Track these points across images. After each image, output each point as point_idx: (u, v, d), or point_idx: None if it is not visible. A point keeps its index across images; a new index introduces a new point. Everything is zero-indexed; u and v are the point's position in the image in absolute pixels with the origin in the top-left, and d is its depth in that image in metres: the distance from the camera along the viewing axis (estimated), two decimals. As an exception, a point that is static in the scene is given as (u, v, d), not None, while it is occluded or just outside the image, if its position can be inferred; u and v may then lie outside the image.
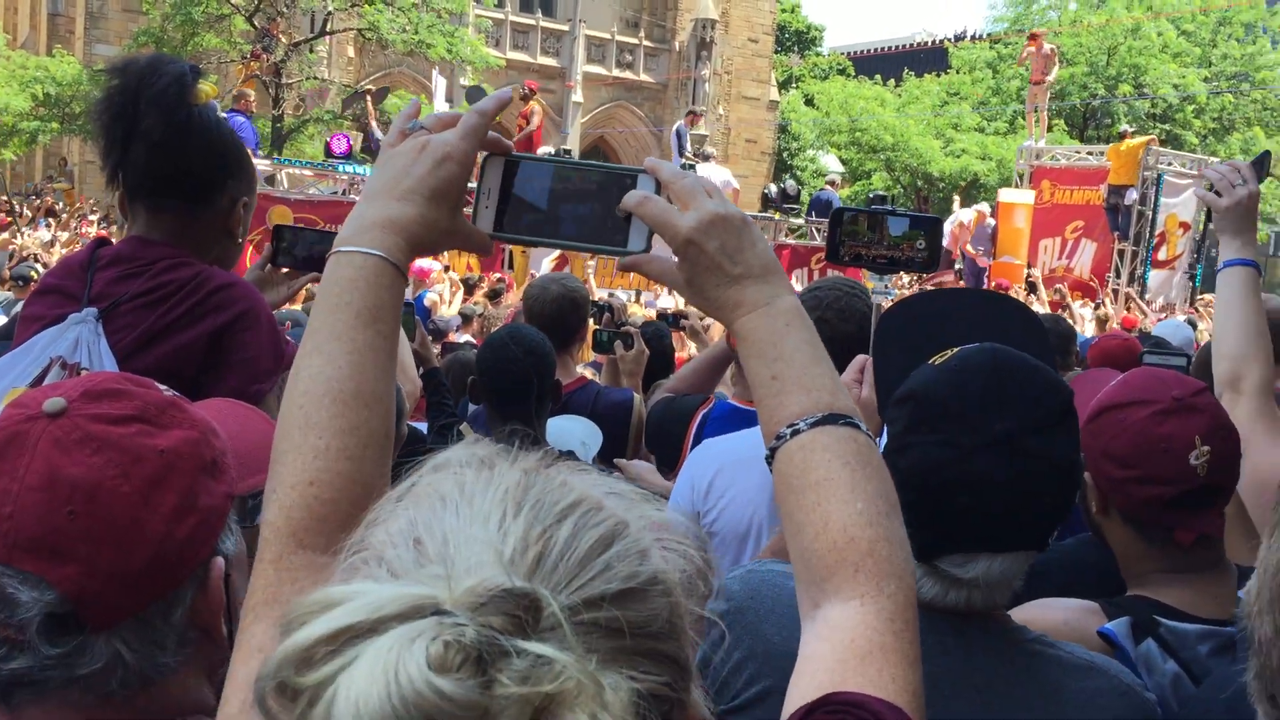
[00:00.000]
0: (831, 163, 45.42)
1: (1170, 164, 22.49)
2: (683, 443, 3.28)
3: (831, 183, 23.44)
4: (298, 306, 5.60)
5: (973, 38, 48.48)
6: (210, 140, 2.27)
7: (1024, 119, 31.49)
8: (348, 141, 17.75)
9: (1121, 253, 20.98)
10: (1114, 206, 20.75)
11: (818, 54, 59.34)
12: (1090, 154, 23.14)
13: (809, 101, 47.72)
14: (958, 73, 41.42)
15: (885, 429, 1.57)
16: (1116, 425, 1.77)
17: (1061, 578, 1.99)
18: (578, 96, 34.20)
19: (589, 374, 5.62)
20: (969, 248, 19.84)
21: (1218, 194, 2.48)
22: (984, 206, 21.65)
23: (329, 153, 17.17)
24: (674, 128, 21.33)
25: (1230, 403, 2.29)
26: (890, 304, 2.02)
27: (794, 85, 51.41)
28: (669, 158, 18.31)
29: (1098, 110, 35.21)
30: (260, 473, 1.16)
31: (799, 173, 44.01)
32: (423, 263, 12.52)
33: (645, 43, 37.99)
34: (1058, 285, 17.47)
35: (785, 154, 44.84)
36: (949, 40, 50.28)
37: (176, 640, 1.18)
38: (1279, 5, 35.89)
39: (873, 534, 1.10)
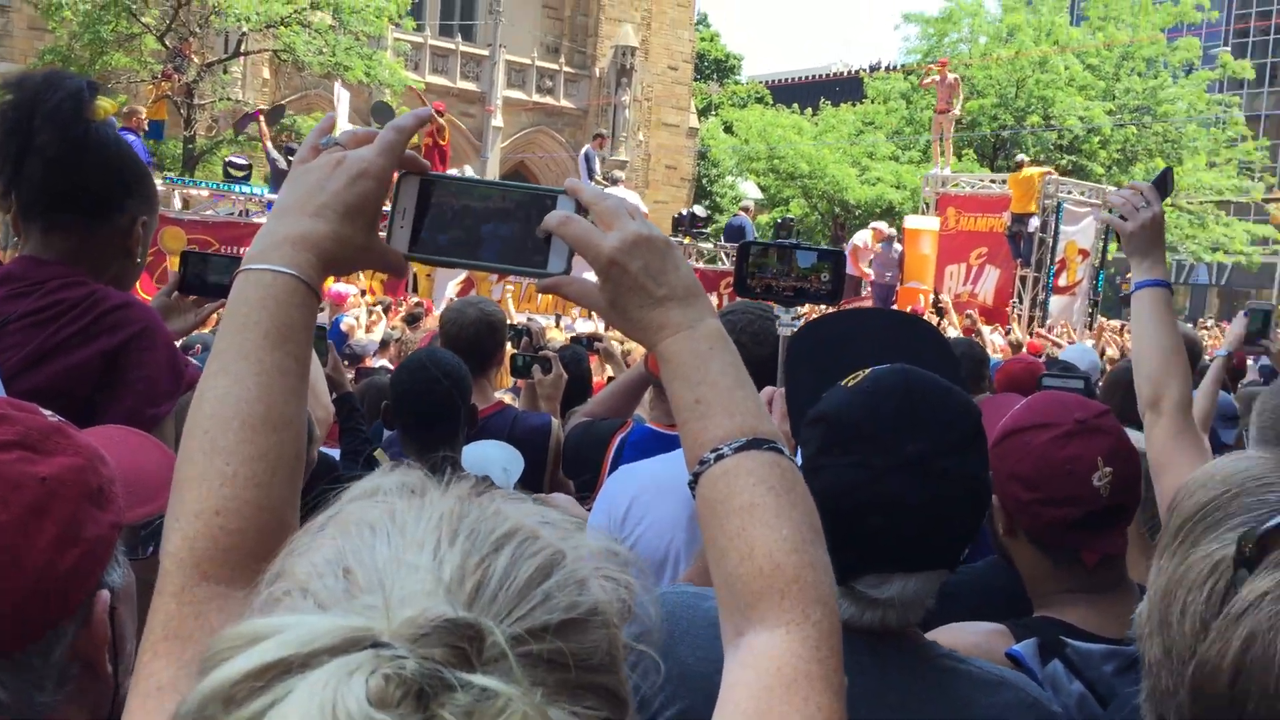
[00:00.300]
0: (750, 189, 45.92)
1: (1070, 192, 23.20)
2: (600, 467, 3.25)
3: (745, 209, 23.73)
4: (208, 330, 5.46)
5: (887, 69, 49.48)
6: (108, 156, 2.20)
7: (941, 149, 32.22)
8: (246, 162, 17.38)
9: (1024, 279, 21.54)
10: (1015, 234, 21.27)
11: (736, 82, 60.10)
12: (993, 182, 23.72)
13: (728, 129, 48.27)
14: (873, 102, 42.22)
15: (799, 451, 1.57)
16: (1022, 448, 1.79)
17: (972, 600, 2.00)
18: (498, 121, 34.11)
19: (508, 398, 5.57)
20: (862, 268, 20.27)
21: (1123, 218, 2.51)
22: (881, 225, 22.12)
23: (229, 172, 16.69)
24: (582, 151, 21.36)
25: (1151, 423, 2.32)
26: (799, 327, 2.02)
27: (713, 112, 51.98)
28: None
29: (1007, 141, 36.10)
30: (151, 501, 1.10)
31: (718, 199, 44.44)
32: (339, 286, 12.34)
33: (566, 69, 38.10)
34: (969, 310, 17.84)
35: (705, 180, 45.25)
36: (864, 71, 51.26)
37: (56, 679, 1.12)
38: (1179, 41, 37.23)
39: (798, 560, 1.08)
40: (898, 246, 21.07)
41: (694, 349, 1.18)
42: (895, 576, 1.44)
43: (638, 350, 7.75)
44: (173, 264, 12.60)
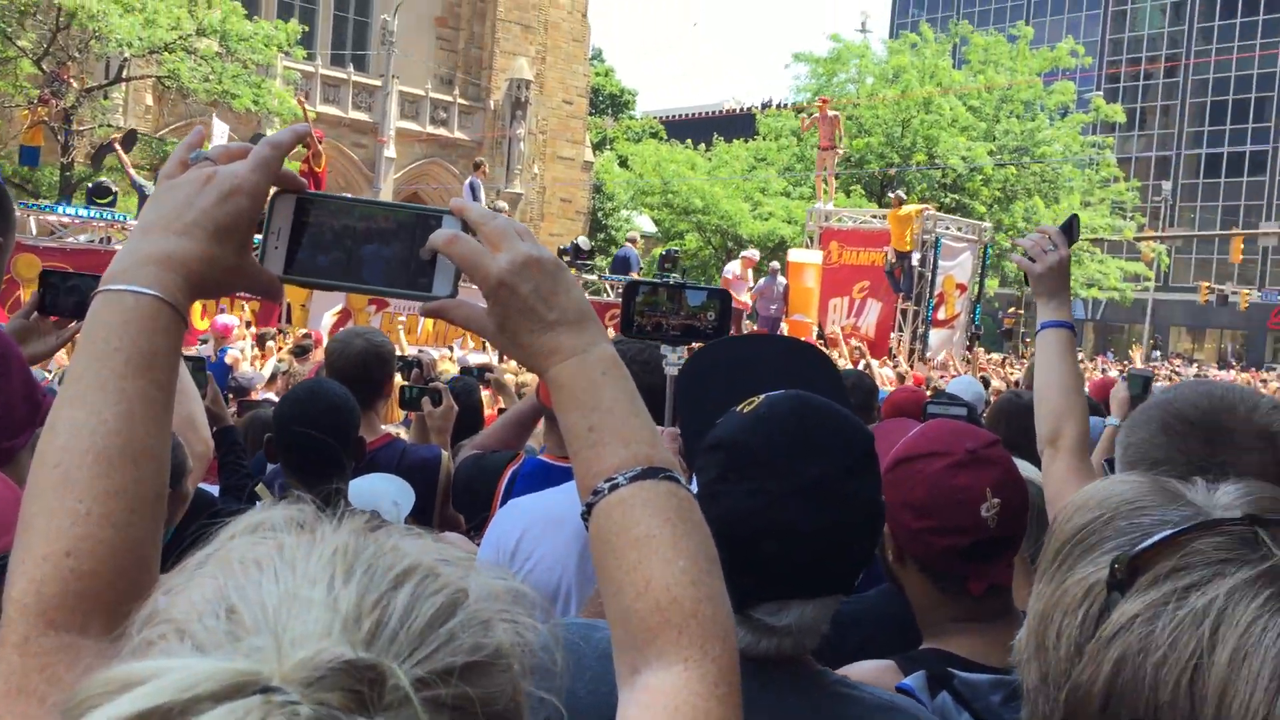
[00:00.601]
0: (645, 223, 46.27)
1: (947, 228, 23.92)
2: (491, 501, 3.18)
3: (631, 240, 23.83)
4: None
5: (778, 106, 50.47)
6: None
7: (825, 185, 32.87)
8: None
9: (904, 312, 22.03)
10: (893, 269, 21.76)
11: (631, 117, 60.65)
12: (875, 217, 24.29)
13: (623, 163, 48.58)
14: (764, 139, 42.96)
15: (694, 478, 1.56)
16: (914, 476, 1.81)
17: (865, 628, 2.01)
18: (390, 152, 33.81)
19: (401, 432, 5.46)
20: (739, 299, 20.20)
21: (1032, 260, 2.58)
22: (751, 253, 22.47)
23: (93, 199, 16.02)
24: (466, 182, 21.11)
25: (1050, 459, 2.38)
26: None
27: (608, 146, 52.32)
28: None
29: (894, 178, 37.07)
30: None
31: (614, 232, 44.63)
32: (224, 318, 12.02)
33: (460, 100, 37.99)
34: (858, 343, 18.18)
35: (600, 214, 45.45)
36: (756, 108, 52.21)
37: None
38: (1054, 85, 38.71)
39: (696, 594, 1.05)
40: (782, 280, 21.34)
41: (587, 375, 1.14)
42: (793, 603, 1.43)
43: (532, 382, 7.69)
44: (25, 293, 12.10)
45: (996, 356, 24.79)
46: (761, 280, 21.68)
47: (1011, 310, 38.67)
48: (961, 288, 23.45)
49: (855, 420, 1.55)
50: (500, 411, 5.66)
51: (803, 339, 11.27)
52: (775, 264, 22.16)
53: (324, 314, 13.75)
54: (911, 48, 39.95)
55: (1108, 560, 0.83)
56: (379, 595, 0.68)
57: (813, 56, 41.00)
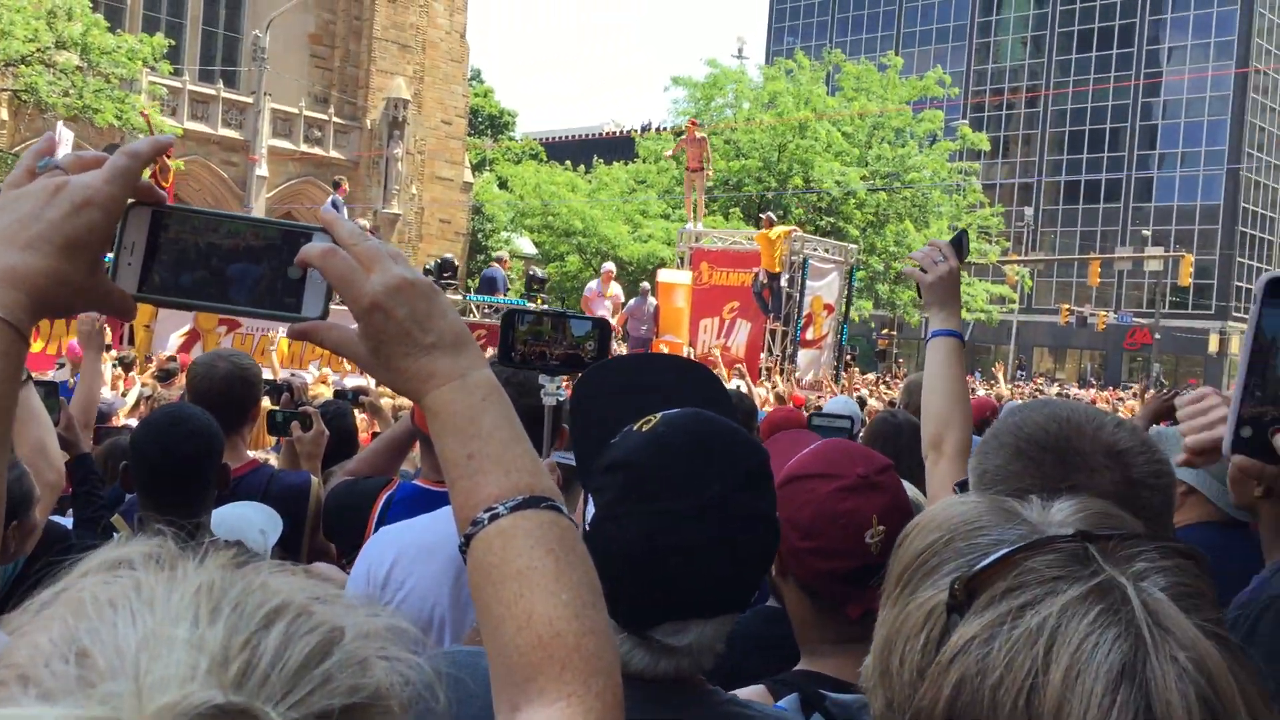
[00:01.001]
0: (525, 245, 46.18)
1: (815, 250, 24.35)
2: (365, 529, 3.08)
3: (500, 260, 23.73)
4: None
5: (657, 129, 50.93)
6: None
7: (705, 207, 33.25)
8: None
9: (773, 332, 22.28)
10: (762, 290, 21.98)
11: (511, 138, 60.52)
12: (744, 238, 24.55)
13: (503, 184, 48.41)
14: (644, 162, 43.30)
15: (590, 499, 1.54)
16: (803, 495, 1.80)
17: (738, 653, 1.99)
18: (262, 170, 32.96)
19: (271, 457, 5.27)
20: (593, 311, 20.34)
21: (923, 270, 2.64)
22: (609, 266, 22.46)
23: None
24: (328, 200, 20.63)
25: (933, 463, 2.45)
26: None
27: (488, 168, 52.08)
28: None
29: (771, 201, 37.72)
30: None
31: (493, 253, 44.40)
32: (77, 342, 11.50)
33: (335, 119, 37.36)
34: (738, 364, 18.34)
35: (480, 235, 45.18)
36: (635, 131, 52.62)
37: None
38: (923, 114, 39.98)
39: (579, 627, 1.02)
40: (652, 300, 21.36)
41: (466, 400, 1.10)
42: (692, 623, 1.42)
43: (408, 405, 7.53)
44: None
45: (871, 376, 25.34)
46: (632, 301, 21.70)
47: (885, 331, 39.64)
48: (829, 308, 23.85)
49: (751, 438, 1.55)
50: (376, 435, 5.52)
51: (693, 359, 11.30)
52: (645, 284, 22.21)
53: (170, 335, 13.17)
54: (787, 74, 40.80)
55: (948, 582, 0.83)
56: (248, 635, 0.63)
57: (690, 81, 41.55)
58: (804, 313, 22.84)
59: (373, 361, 1.13)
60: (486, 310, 21.00)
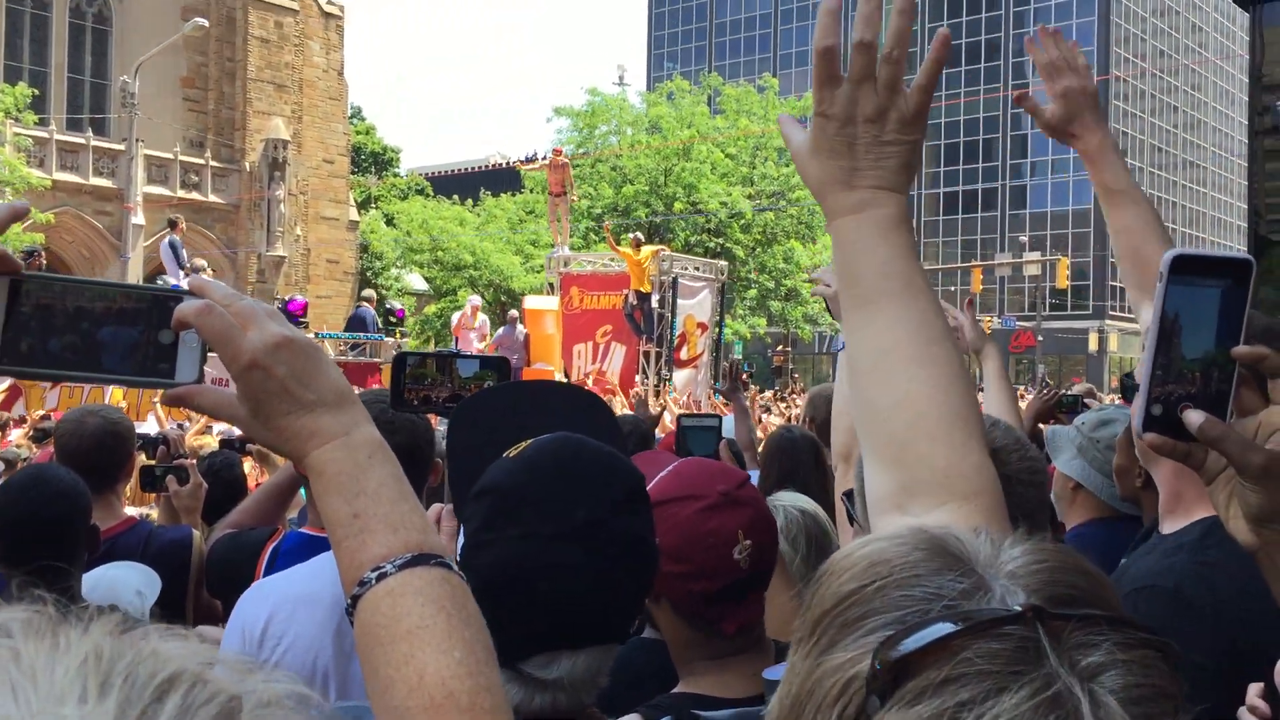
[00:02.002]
0: (416, 281, 45.73)
1: (685, 268, 24.37)
2: (252, 582, 2.96)
3: (366, 299, 23.29)
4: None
5: (542, 159, 51.01)
6: None
7: (596, 234, 33.33)
8: None
9: (647, 354, 22.07)
10: (633, 311, 21.76)
11: (396, 175, 59.99)
12: (613, 260, 24.06)
13: (389, 221, 47.89)
14: (531, 192, 43.30)
15: (462, 529, 1.51)
16: (668, 519, 1.78)
17: (612, 684, 1.95)
18: (138, 219, 32.03)
19: (151, 513, 5.06)
20: (478, 347, 19.93)
21: (828, 285, 2.68)
22: (475, 298, 22.21)
23: None
24: (165, 240, 19.30)
25: (842, 474, 2.45)
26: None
27: (374, 205, 51.49)
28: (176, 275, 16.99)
29: (660, 226, 38.01)
30: None
31: (384, 291, 43.87)
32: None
33: (213, 163, 36.57)
34: (635, 390, 18.29)
35: (369, 273, 44.58)
36: (520, 162, 52.61)
37: None
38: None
39: (473, 685, 0.98)
40: (522, 329, 20.94)
41: (350, 459, 1.08)
42: (562, 655, 1.39)
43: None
44: None
45: (769, 393, 25.60)
46: (500, 330, 21.40)
47: (780, 348, 40.17)
48: (703, 326, 23.81)
49: (624, 460, 1.52)
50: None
51: (577, 384, 11.24)
52: (514, 313, 21.88)
53: None
54: (667, 99, 41.25)
55: (871, 643, 0.72)
56: (142, 709, 0.58)
57: (572, 110, 41.71)
58: (677, 332, 22.71)
59: (253, 422, 1.11)
60: (342, 348, 20.76)
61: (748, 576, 1.78)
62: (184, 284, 1.17)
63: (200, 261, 17.84)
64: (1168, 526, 2.22)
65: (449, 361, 2.14)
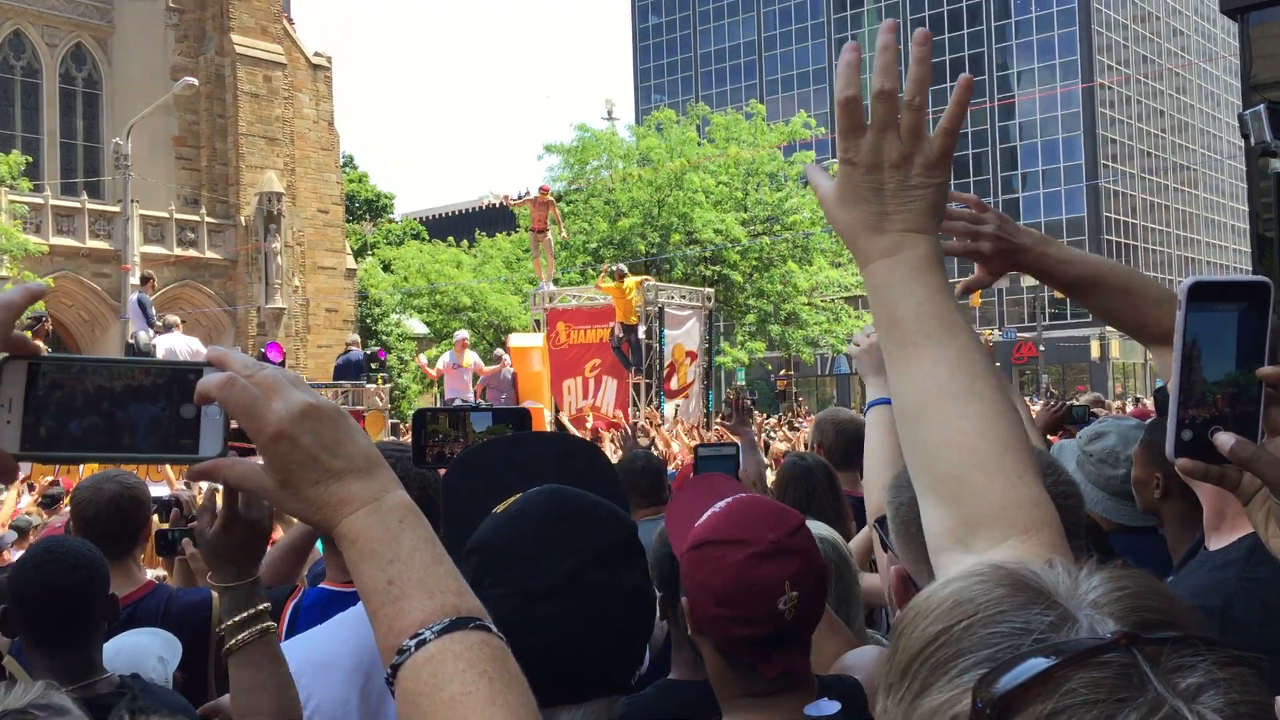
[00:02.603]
0: (415, 326, 45.76)
1: (671, 297, 24.06)
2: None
3: (353, 344, 22.92)
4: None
5: (528, 195, 51.10)
6: None
7: (593, 270, 33.31)
8: None
9: (637, 386, 21.66)
10: (620, 344, 21.37)
11: (390, 220, 60.17)
12: (598, 293, 23.61)
13: (386, 267, 47.98)
14: (526, 230, 43.41)
15: None
16: (716, 562, 1.76)
17: None
18: (136, 279, 32.12)
19: (166, 576, 5.03)
20: (463, 385, 19.23)
21: (856, 344, 2.78)
22: (463, 333, 21.21)
23: None
24: (133, 299, 18.81)
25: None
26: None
27: (370, 252, 51.63)
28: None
29: (658, 258, 38.08)
30: None
31: (385, 337, 43.90)
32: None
33: (208, 219, 36.68)
34: (639, 423, 18.14)
35: (368, 320, 44.65)
36: (512, 200, 52.79)
37: None
38: (795, 155, 40.87)
39: None
40: (509, 368, 20.26)
41: (382, 525, 1.07)
42: (561, 711, 1.37)
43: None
44: None
45: (773, 420, 25.49)
46: (487, 370, 20.70)
47: (783, 372, 40.14)
48: (692, 355, 23.46)
49: (611, 508, 1.52)
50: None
51: (574, 435, 11.16)
52: (500, 351, 21.27)
53: None
54: (657, 130, 41.41)
55: (966, 683, 0.73)
56: None
57: (563, 147, 41.88)
58: (666, 363, 22.33)
59: (282, 493, 1.10)
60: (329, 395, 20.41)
61: (790, 627, 1.75)
62: (182, 350, 1.13)
63: (172, 318, 17.38)
64: (1214, 543, 2.19)
65: (463, 416, 2.12)
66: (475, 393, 19.19)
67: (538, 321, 23.98)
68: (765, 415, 25.38)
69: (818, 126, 42.72)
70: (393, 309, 46.68)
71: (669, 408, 22.08)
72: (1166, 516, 2.96)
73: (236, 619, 1.56)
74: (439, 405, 18.01)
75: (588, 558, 1.40)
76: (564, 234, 25.69)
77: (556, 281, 40.28)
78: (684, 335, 23.34)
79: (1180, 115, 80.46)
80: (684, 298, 24.79)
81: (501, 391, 19.72)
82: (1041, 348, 51.25)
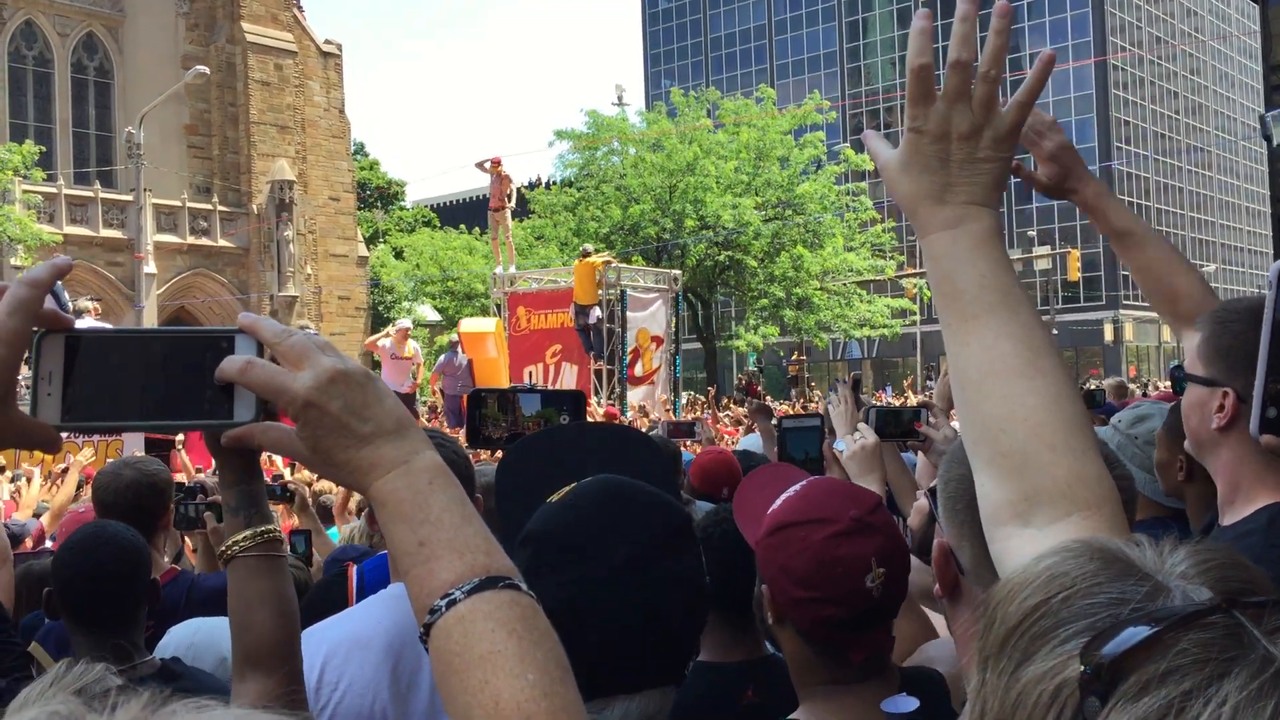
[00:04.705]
0: (428, 313, 45.80)
1: (634, 279, 22.96)
2: (346, 606, 2.98)
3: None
4: None
5: (547, 184, 51.09)
6: None
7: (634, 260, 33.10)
8: None
9: (599, 372, 20.72)
10: (583, 327, 20.28)
11: (402, 208, 60.22)
12: (558, 276, 22.73)
13: (398, 254, 48.01)
14: (540, 217, 43.38)
15: None
16: (797, 544, 1.74)
17: (675, 712, 1.95)
18: (150, 268, 32.26)
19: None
20: (405, 378, 17.78)
21: (842, 449, 3.07)
22: (404, 321, 19.60)
23: None
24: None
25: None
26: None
27: (382, 239, 51.68)
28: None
29: (669, 243, 37.99)
30: None
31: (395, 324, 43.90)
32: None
33: (220, 208, 36.78)
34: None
35: (380, 307, 44.71)
36: (525, 187, 52.71)
37: None
38: (805, 138, 40.63)
39: (549, 706, 0.98)
40: (463, 355, 19.31)
41: (412, 486, 1.08)
42: (617, 700, 1.37)
43: (330, 488, 7.35)
44: None
45: (784, 406, 25.42)
46: (441, 358, 19.94)
47: (795, 357, 40.06)
48: (657, 340, 22.45)
49: (664, 497, 1.52)
50: (293, 529, 5.33)
51: (623, 423, 11.09)
52: (454, 338, 20.25)
53: None
54: (669, 115, 41.26)
55: (1070, 650, 0.75)
56: None
57: (574, 133, 41.79)
58: (629, 348, 21.32)
59: (315, 459, 1.11)
60: None
61: (878, 605, 1.73)
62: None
63: (84, 303, 16.78)
64: (1229, 518, 2.19)
65: (512, 398, 2.12)
66: (431, 382, 18.00)
67: (497, 305, 23.04)
68: (776, 401, 25.28)
69: (829, 110, 42.54)
70: (405, 296, 46.73)
71: (634, 395, 21.10)
72: (1190, 499, 2.96)
73: (241, 519, 1.41)
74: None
75: (642, 545, 1.40)
76: (509, 204, 23.41)
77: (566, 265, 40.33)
78: (649, 319, 22.30)
79: (1194, 97, 79.94)
80: (648, 280, 23.69)
81: (457, 379, 18.93)
82: (1055, 331, 51.02)
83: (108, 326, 16.66)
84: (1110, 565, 0.79)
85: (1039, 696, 0.75)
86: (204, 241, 36.35)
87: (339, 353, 1.12)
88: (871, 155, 1.31)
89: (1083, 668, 0.72)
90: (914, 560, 3.45)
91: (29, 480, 10.66)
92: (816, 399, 25.75)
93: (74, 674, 0.67)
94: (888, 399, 30.79)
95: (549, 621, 1.06)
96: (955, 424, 3.69)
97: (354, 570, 3.03)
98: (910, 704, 1.66)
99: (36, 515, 8.90)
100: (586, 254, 20.73)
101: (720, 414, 17.91)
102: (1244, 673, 0.69)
